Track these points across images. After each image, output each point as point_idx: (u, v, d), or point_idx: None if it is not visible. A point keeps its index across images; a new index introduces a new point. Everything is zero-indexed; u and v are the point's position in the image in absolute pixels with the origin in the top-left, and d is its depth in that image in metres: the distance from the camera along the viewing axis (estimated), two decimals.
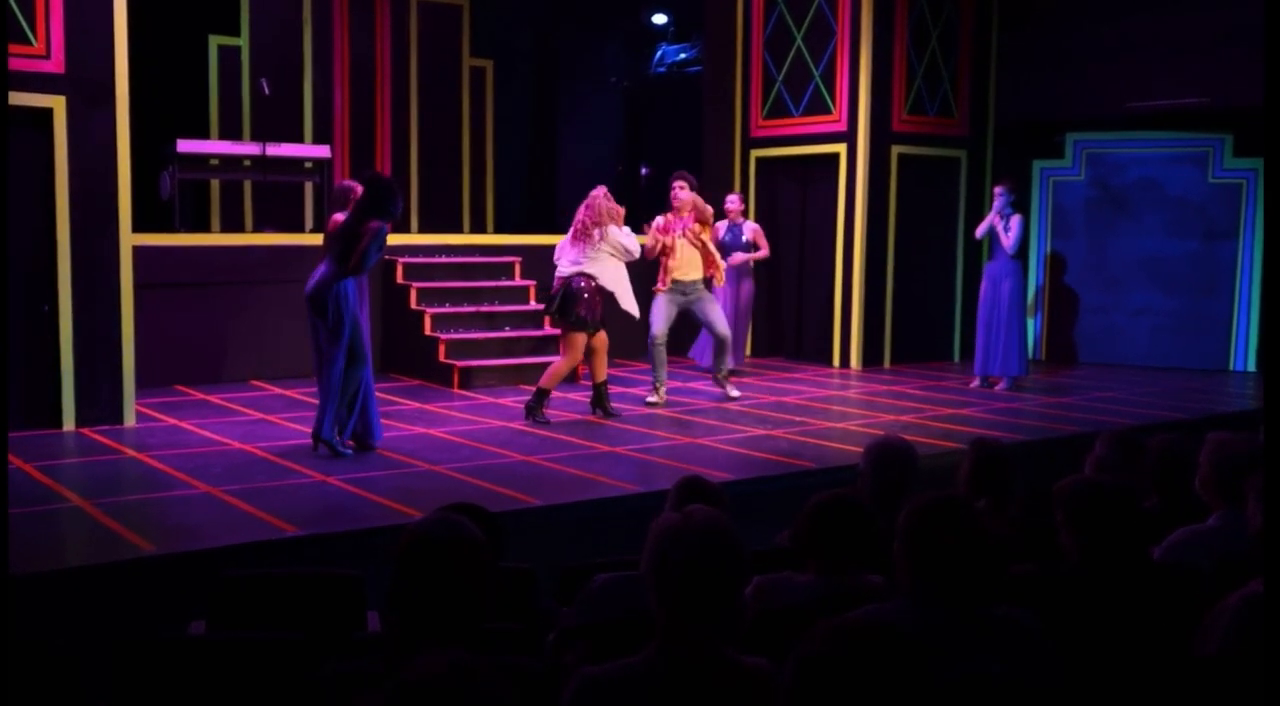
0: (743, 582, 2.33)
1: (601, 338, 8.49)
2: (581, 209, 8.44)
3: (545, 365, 10.17)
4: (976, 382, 10.29)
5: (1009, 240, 10.03)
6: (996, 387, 10.10)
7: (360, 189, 8.16)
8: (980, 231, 10.25)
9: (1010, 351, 10.11)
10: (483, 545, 2.30)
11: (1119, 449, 4.31)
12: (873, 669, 1.80)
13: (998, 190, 10.17)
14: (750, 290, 11.04)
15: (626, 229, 8.48)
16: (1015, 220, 10.00)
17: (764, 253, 10.93)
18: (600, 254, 8.31)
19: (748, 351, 12.49)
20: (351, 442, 7.08)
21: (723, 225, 10.69)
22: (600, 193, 8.46)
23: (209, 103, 11.97)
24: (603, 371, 8.53)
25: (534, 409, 8.24)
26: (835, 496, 3.46)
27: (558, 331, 10.43)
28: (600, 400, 8.54)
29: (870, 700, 1.79)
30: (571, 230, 8.47)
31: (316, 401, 7.16)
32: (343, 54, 12.69)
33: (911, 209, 11.94)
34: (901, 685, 1.80)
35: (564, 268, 8.44)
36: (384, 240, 7.02)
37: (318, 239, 8.80)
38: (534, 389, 8.41)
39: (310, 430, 7.10)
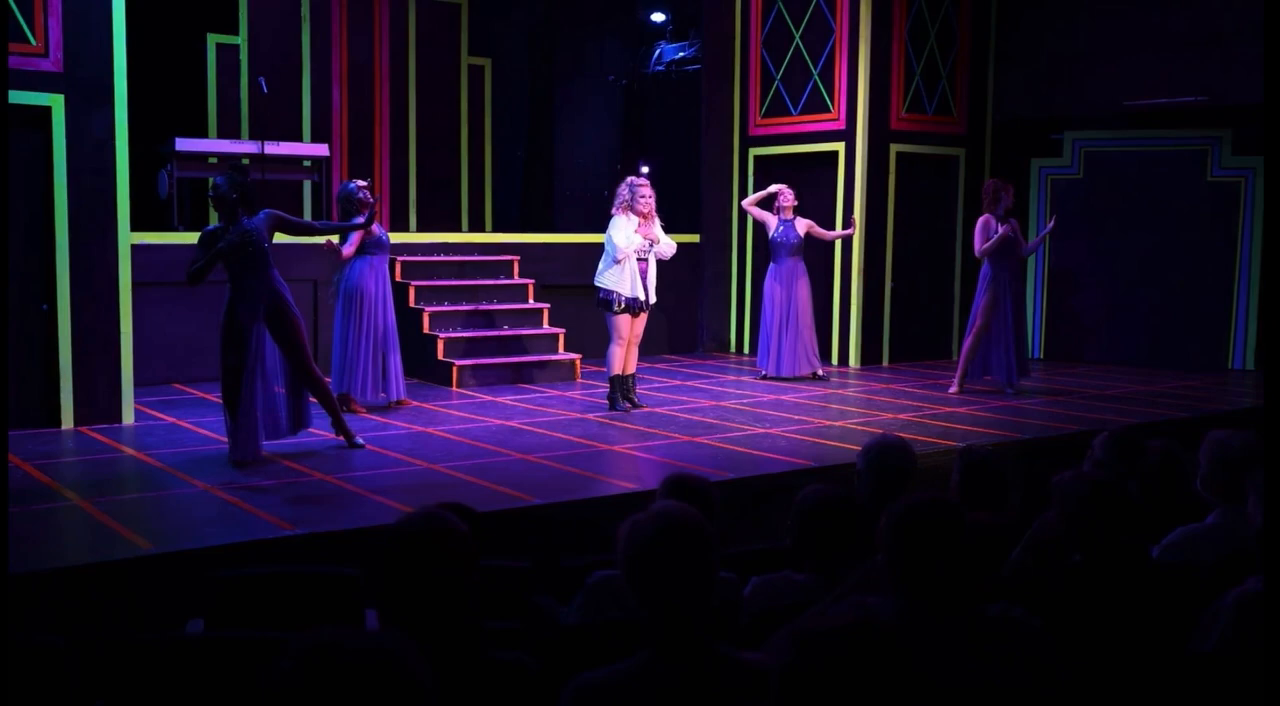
0: (712, 567, 2.35)
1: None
2: (649, 188, 8.53)
3: (543, 363, 10.24)
4: (1002, 383, 9.79)
5: (1034, 242, 10.25)
6: (1007, 393, 9.69)
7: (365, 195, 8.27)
8: (1030, 247, 10.18)
9: (1020, 354, 9.82)
10: (466, 537, 2.30)
11: (1116, 449, 4.30)
12: (851, 671, 1.80)
13: (1008, 193, 9.62)
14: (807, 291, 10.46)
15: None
16: (1015, 225, 9.69)
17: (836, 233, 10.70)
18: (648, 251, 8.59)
19: (740, 348, 12.51)
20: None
21: (773, 221, 10.37)
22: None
23: (207, 101, 11.97)
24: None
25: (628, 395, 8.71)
26: (826, 496, 3.46)
27: (558, 330, 10.51)
28: (630, 391, 8.77)
29: (853, 701, 1.79)
30: (648, 210, 8.47)
31: (315, 400, 7.15)
32: (341, 52, 12.69)
33: (910, 207, 11.95)
34: (882, 686, 1.80)
35: (635, 254, 8.48)
36: (208, 239, 6.65)
37: (318, 238, 8.80)
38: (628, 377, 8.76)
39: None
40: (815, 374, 10.39)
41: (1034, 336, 12.46)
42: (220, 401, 6.91)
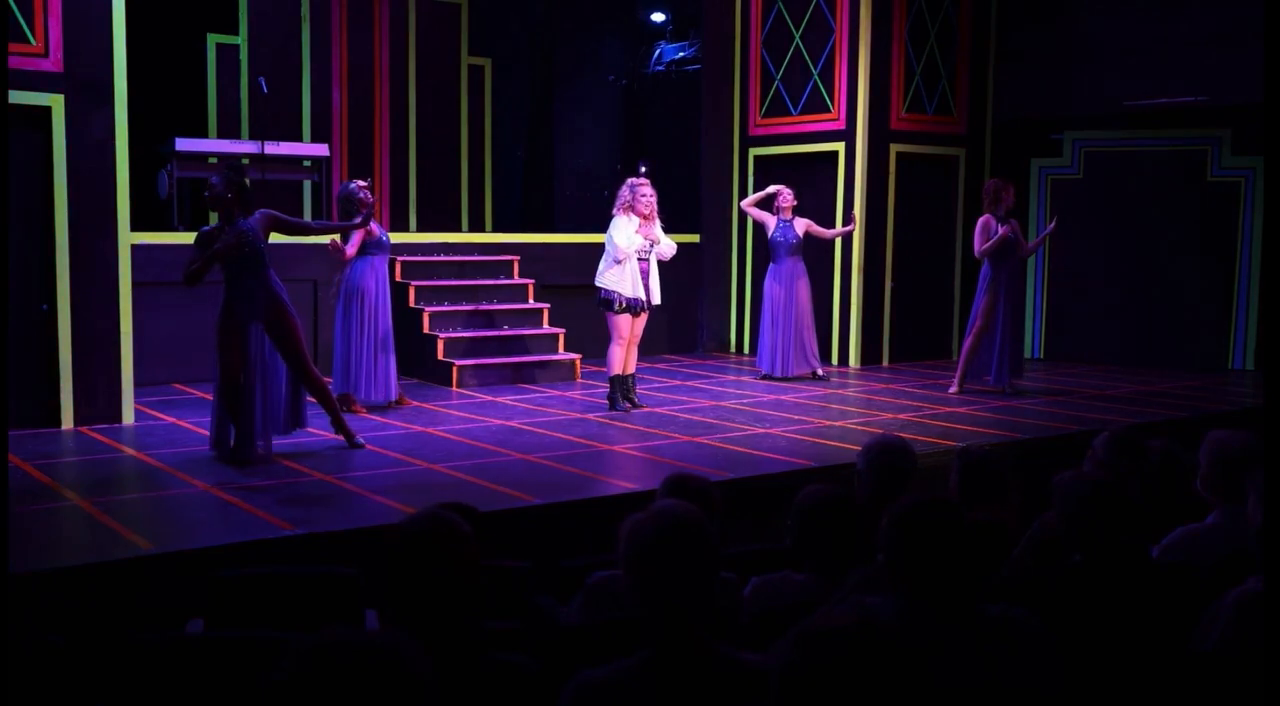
0: (712, 567, 2.36)
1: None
2: (650, 189, 8.54)
3: (543, 363, 10.24)
4: (994, 382, 9.77)
5: (1034, 243, 10.29)
6: (1006, 392, 9.65)
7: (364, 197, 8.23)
8: (1032, 246, 10.25)
9: (1015, 354, 9.86)
10: (470, 538, 2.31)
11: (1116, 449, 4.30)
12: (851, 672, 1.80)
13: (1009, 193, 9.59)
14: (808, 291, 10.44)
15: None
16: (1015, 225, 9.64)
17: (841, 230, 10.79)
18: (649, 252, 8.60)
19: (740, 348, 12.51)
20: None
21: (772, 221, 10.32)
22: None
23: (207, 101, 11.97)
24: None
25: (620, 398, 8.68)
26: (826, 496, 3.46)
27: (559, 330, 10.51)
28: (630, 391, 8.76)
29: (854, 701, 1.79)
30: (649, 211, 8.47)
31: (313, 401, 7.15)
32: (341, 52, 12.68)
33: (910, 207, 11.95)
34: (882, 686, 1.80)
35: (636, 255, 8.48)
36: (205, 239, 6.67)
37: (320, 238, 8.81)
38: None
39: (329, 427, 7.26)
40: (815, 374, 10.38)
41: (1034, 336, 12.47)
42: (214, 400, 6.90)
